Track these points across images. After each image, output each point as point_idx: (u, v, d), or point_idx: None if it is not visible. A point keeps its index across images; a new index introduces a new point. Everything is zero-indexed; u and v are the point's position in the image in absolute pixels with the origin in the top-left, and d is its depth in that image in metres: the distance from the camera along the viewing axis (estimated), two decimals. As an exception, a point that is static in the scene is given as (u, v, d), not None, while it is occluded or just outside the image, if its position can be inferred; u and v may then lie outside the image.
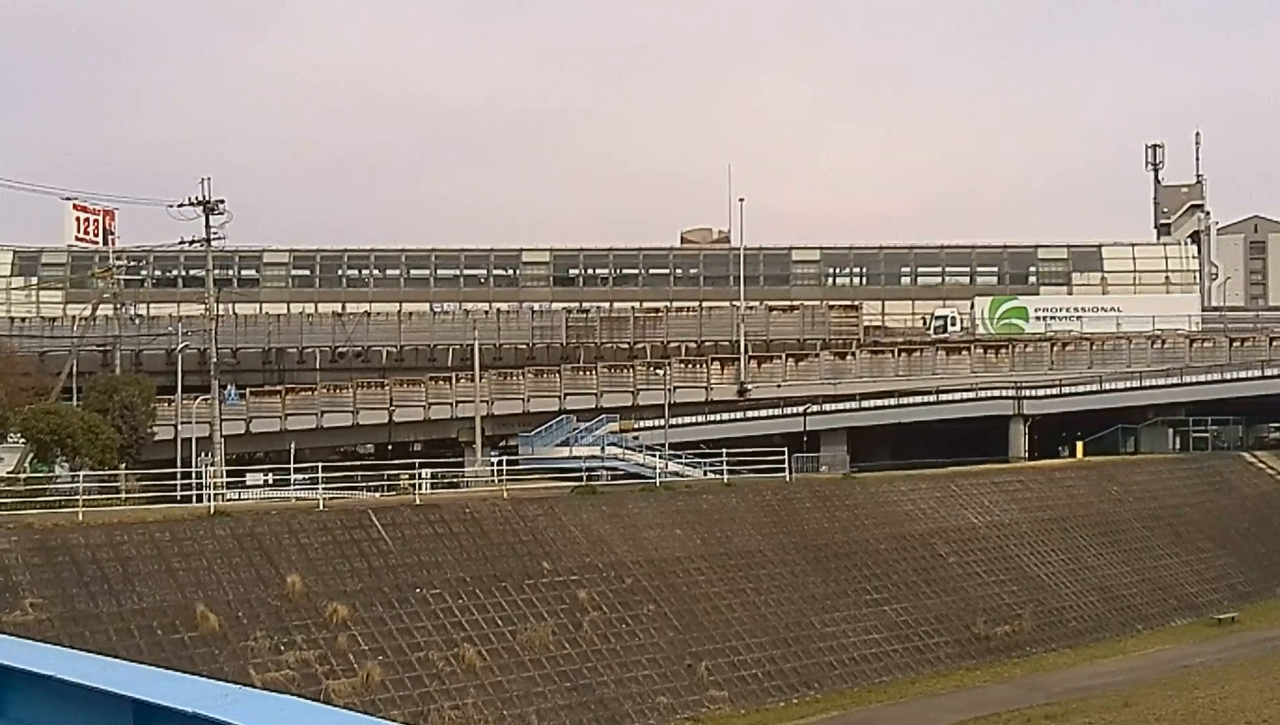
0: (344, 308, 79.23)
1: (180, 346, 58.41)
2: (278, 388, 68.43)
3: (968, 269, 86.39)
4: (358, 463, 54.40)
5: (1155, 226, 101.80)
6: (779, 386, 71.15)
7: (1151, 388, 66.89)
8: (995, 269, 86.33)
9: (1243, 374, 67.17)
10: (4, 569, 29.27)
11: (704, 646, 35.67)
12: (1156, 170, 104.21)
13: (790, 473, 48.63)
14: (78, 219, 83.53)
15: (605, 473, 51.37)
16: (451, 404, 66.94)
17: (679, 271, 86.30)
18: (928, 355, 73.85)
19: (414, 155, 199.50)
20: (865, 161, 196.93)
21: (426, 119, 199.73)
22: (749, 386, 71.18)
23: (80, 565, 30.17)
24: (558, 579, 36.14)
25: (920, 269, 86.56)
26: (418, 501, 38.61)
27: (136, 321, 69.12)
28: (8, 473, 44.08)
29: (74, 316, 70.11)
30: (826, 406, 66.59)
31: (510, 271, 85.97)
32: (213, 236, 52.04)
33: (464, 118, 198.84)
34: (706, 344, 75.88)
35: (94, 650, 6.16)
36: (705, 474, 50.57)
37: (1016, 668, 39.70)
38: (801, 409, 65.88)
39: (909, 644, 39.54)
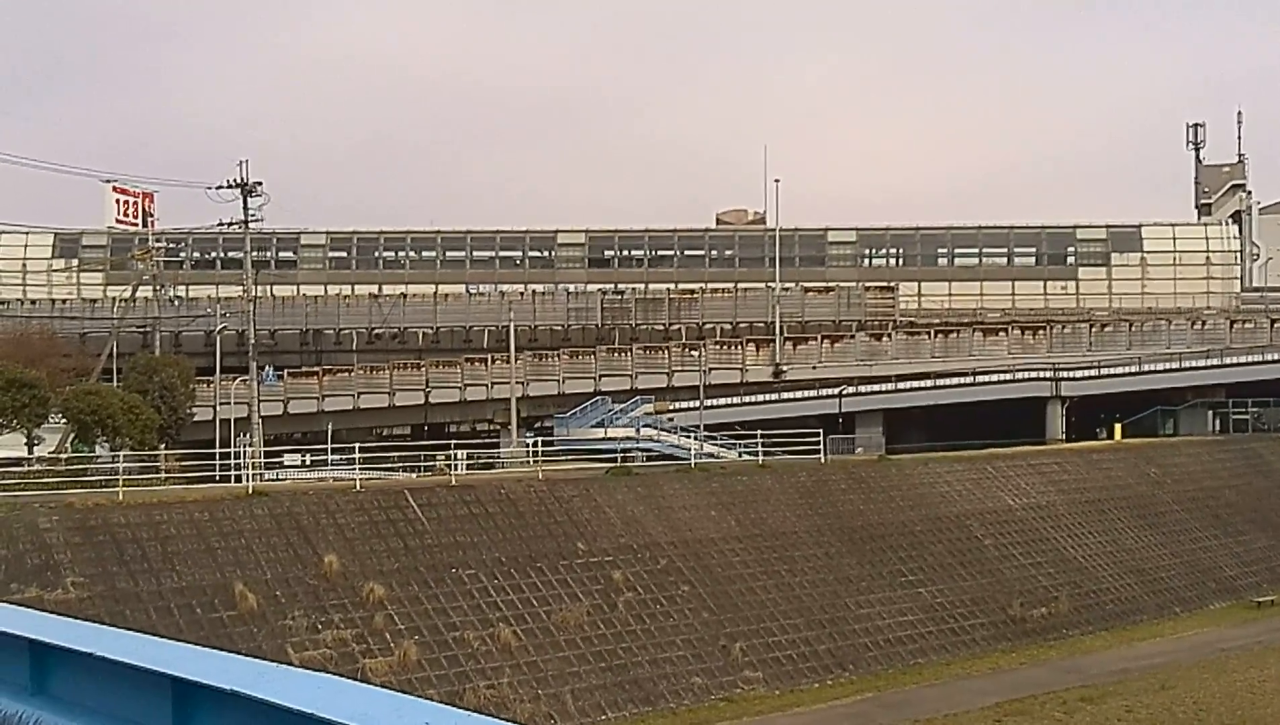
0: (380, 289, 79.54)
1: (219, 328, 58.84)
2: (315, 369, 68.86)
3: (1005, 250, 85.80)
4: (394, 443, 54.72)
5: (1196, 206, 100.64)
6: (814, 368, 70.96)
7: (1190, 369, 66.30)
8: (1033, 250, 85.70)
9: (1284, 355, 66.47)
10: (46, 548, 29.64)
11: (738, 627, 35.71)
12: (1198, 149, 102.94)
13: (825, 454, 48.52)
14: (118, 201, 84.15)
15: (640, 454, 51.43)
16: (487, 385, 67.14)
17: (714, 253, 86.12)
18: (964, 336, 73.47)
19: (450, 138, 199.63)
20: (902, 142, 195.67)
21: (462, 102, 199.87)
22: (784, 368, 71.03)
23: (120, 544, 30.49)
24: (593, 560, 36.25)
25: (957, 250, 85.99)
26: (453, 482, 38.77)
27: (176, 303, 69.65)
28: (49, 453, 44.58)
29: (114, 298, 70.66)
30: (862, 388, 66.38)
31: (546, 253, 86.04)
32: (251, 218, 52.33)
33: (500, 101, 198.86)
34: (742, 325, 75.75)
35: (134, 628, 6.20)
36: (740, 455, 50.53)
37: (1053, 650, 39.54)
38: (837, 390, 65.73)
39: (944, 626, 39.44)
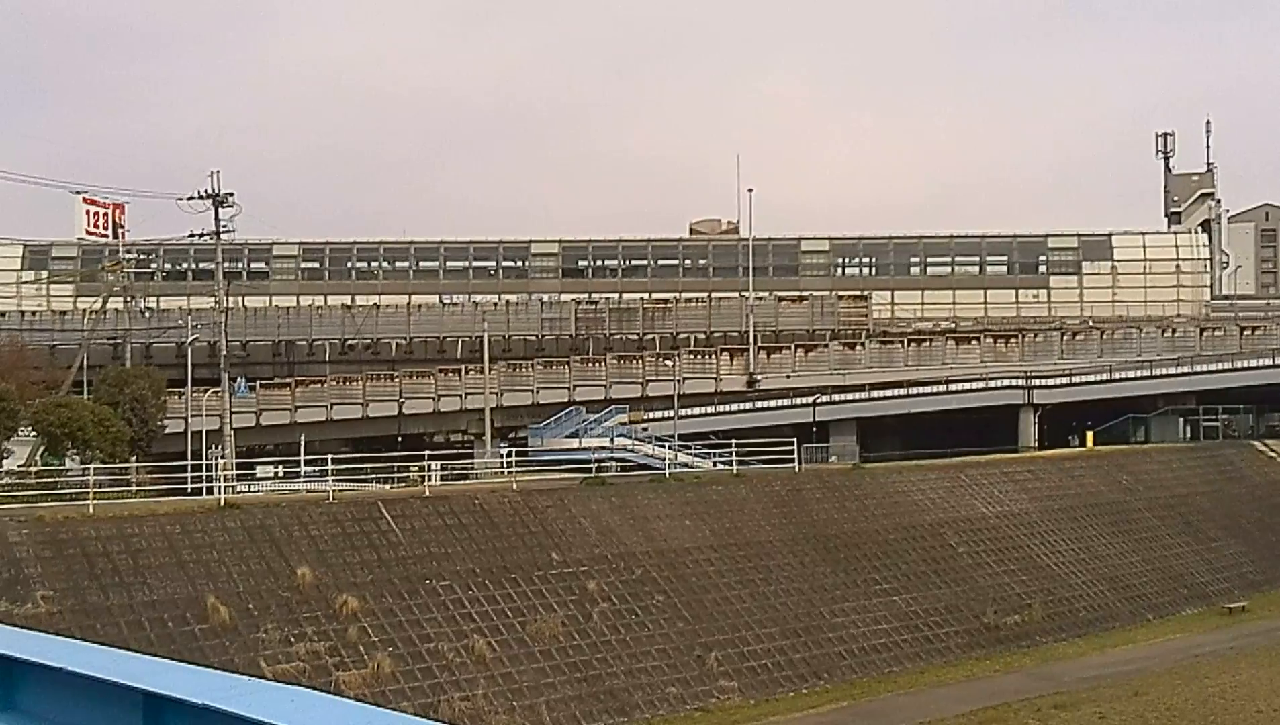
0: (353, 300, 79.33)
1: (190, 340, 58.51)
2: (287, 380, 68.54)
3: (977, 259, 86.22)
4: (367, 454, 54.46)
5: (1166, 215, 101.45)
6: (788, 377, 71.08)
7: (1162, 377, 66.68)
8: (1005, 258, 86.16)
9: (1253, 363, 66.98)
10: (16, 562, 29.37)
11: (713, 637, 35.68)
12: (1167, 158, 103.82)
13: (799, 463, 48.58)
14: (88, 213, 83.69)
15: (614, 464, 51.40)
16: (461, 396, 67.00)
17: (688, 262, 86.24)
18: (937, 345, 73.74)
19: (423, 148, 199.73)
20: (875, 152, 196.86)
21: (436, 112, 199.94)
22: (758, 377, 71.13)
23: (91, 558, 30.25)
24: (567, 570, 36.17)
25: (929, 259, 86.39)
26: (427, 493, 38.62)
27: (146, 315, 69.24)
28: (19, 466, 44.20)
29: (84, 310, 70.20)
30: (836, 397, 66.51)
31: (519, 263, 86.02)
32: (222, 230, 52.03)
33: (473, 111, 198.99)
34: (715, 335, 75.85)
35: (105, 642, 6.16)
36: (714, 465, 50.54)
37: (1026, 657, 39.66)
38: (811, 399, 65.84)
39: (919, 634, 39.52)
